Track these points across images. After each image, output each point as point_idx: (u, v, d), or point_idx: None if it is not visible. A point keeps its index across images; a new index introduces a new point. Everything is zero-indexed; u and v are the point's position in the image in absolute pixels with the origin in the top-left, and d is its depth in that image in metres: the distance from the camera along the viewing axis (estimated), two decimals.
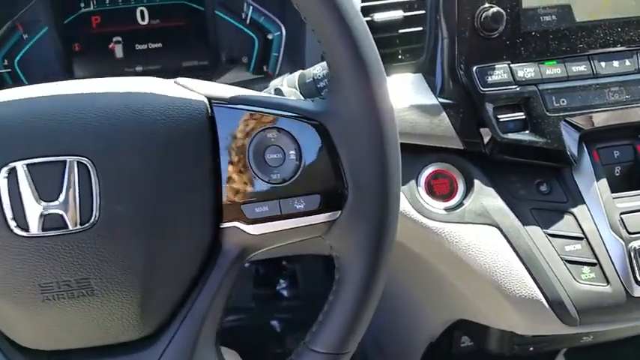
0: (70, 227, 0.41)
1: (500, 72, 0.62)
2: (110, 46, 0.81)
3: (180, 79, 0.49)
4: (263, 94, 0.48)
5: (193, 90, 0.45)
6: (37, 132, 0.41)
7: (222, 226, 0.44)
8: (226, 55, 0.83)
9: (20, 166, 0.40)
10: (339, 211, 0.44)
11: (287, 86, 0.56)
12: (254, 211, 0.44)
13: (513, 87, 0.62)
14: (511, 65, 0.62)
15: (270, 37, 0.84)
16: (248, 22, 0.83)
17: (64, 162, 0.40)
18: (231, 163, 0.44)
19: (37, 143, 0.40)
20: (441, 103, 0.62)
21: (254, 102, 0.44)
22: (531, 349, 0.76)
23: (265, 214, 0.44)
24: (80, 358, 0.46)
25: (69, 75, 0.81)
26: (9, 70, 0.79)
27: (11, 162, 0.40)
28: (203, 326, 0.45)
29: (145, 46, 0.82)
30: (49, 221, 0.40)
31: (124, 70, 0.82)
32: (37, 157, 0.40)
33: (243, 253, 0.46)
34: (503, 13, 0.60)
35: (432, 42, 0.64)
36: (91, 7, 0.80)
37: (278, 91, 0.52)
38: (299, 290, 1.34)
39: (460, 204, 0.62)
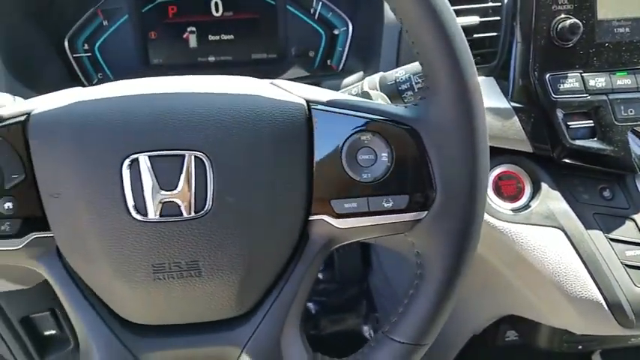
0: (185, 215, 0.45)
1: (572, 80, 0.64)
2: (184, 35, 0.85)
3: (276, 81, 0.52)
4: (358, 98, 0.50)
5: (291, 92, 0.49)
6: (159, 127, 0.44)
7: (310, 219, 0.48)
8: (294, 48, 0.86)
9: (143, 158, 0.44)
10: (426, 212, 0.47)
11: (368, 87, 0.59)
12: (343, 206, 0.47)
13: (584, 95, 0.64)
14: (583, 74, 0.64)
15: (336, 32, 0.86)
16: (316, 17, 0.86)
17: (183, 156, 0.44)
18: (325, 161, 0.47)
19: (160, 137, 0.44)
20: (513, 107, 0.64)
21: (351, 106, 0.47)
22: (580, 347, 0.79)
23: (353, 209, 0.47)
24: (182, 332, 0.50)
25: (144, 61, 0.85)
26: (89, 54, 0.83)
27: (134, 153, 0.44)
28: (290, 309, 0.49)
29: (217, 37, 0.85)
30: (167, 208, 0.44)
31: (197, 59, 0.86)
32: (158, 150, 0.44)
33: (329, 243, 0.49)
34: (580, 24, 0.62)
35: (505, 47, 0.66)
36: None
37: (365, 94, 0.55)
38: (334, 274, 1.38)
39: (527, 206, 0.64)
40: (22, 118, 0.45)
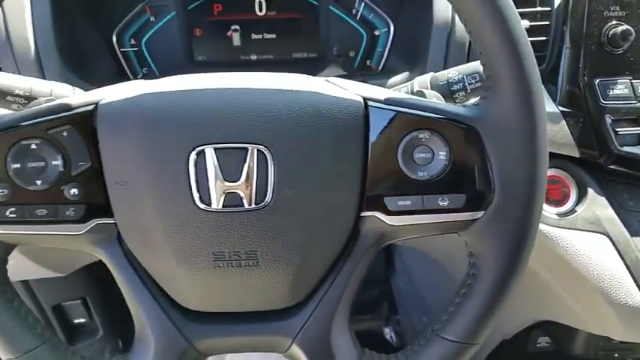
0: (246, 206, 0.46)
1: (621, 87, 0.64)
2: (228, 33, 0.86)
3: (331, 79, 0.53)
4: (415, 97, 0.51)
5: (348, 89, 0.49)
6: (225, 120, 0.45)
7: (362, 215, 0.49)
8: (335, 48, 0.87)
9: (209, 150, 0.45)
10: (482, 212, 0.47)
11: (418, 87, 0.59)
12: (396, 204, 0.48)
13: (633, 102, 0.64)
14: (633, 81, 0.64)
15: (377, 33, 0.87)
16: (358, 17, 0.86)
17: (246, 149, 0.45)
18: (379, 158, 0.47)
19: (225, 130, 0.45)
20: (561, 112, 0.64)
21: (409, 104, 0.48)
22: (616, 355, 0.78)
23: (407, 207, 0.48)
24: (236, 321, 0.51)
25: (189, 58, 0.86)
26: (135, 49, 0.85)
27: (201, 145, 0.45)
28: (339, 303, 0.50)
29: (260, 36, 0.87)
30: (229, 199, 0.46)
31: (239, 57, 0.87)
32: (224, 143, 0.45)
33: (379, 240, 0.50)
34: (632, 30, 0.62)
35: (554, 52, 0.66)
36: None
37: (419, 93, 0.55)
38: None
39: (572, 210, 0.64)
40: (91, 108, 0.47)
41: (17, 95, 0.55)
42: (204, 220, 0.46)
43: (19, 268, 0.85)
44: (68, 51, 0.70)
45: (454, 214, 0.48)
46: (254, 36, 0.87)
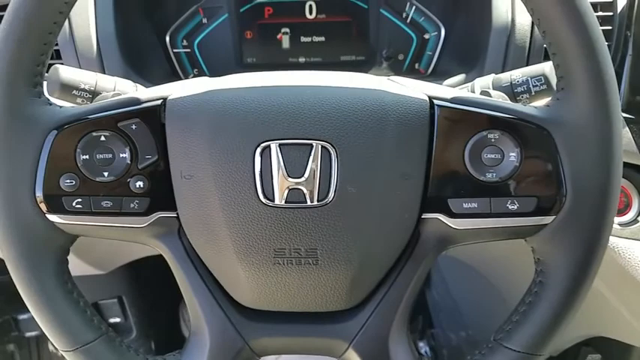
0: (309, 202, 0.46)
1: None
2: (278, 36, 0.87)
3: (394, 77, 0.52)
4: (482, 96, 0.50)
5: (413, 88, 0.49)
6: (290, 117, 0.46)
7: (424, 217, 0.48)
8: (384, 51, 0.87)
9: (274, 145, 0.45)
10: (553, 216, 0.46)
11: (479, 89, 0.58)
12: (461, 206, 0.47)
13: None
14: None
15: (427, 36, 0.86)
16: (408, 20, 0.86)
17: (311, 145, 0.45)
18: (445, 158, 0.47)
19: (290, 127, 0.45)
20: (625, 118, 0.62)
21: (478, 103, 0.47)
22: None
23: (473, 210, 0.46)
24: (292, 321, 0.51)
25: (239, 60, 0.87)
26: (187, 50, 0.87)
27: (267, 141, 0.45)
28: (398, 308, 0.49)
29: (309, 39, 0.87)
30: (292, 195, 0.45)
31: (288, 59, 0.88)
32: (289, 139, 0.45)
33: (441, 244, 0.49)
34: None
35: (617, 58, 0.64)
36: None
37: (485, 94, 0.54)
38: None
39: (635, 220, 0.62)
40: (159, 102, 0.47)
41: (82, 90, 0.56)
42: (266, 215, 0.46)
43: None
44: (127, 49, 0.72)
45: (523, 218, 0.46)
46: (303, 39, 0.87)
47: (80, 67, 0.69)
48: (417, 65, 0.88)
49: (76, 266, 0.92)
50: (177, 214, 0.48)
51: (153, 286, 1.32)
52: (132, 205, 0.47)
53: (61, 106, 0.48)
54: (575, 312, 0.47)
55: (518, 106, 0.47)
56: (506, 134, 0.46)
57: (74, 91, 0.56)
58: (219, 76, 0.52)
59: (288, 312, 0.51)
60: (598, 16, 0.67)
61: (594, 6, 0.66)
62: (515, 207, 0.46)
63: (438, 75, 0.83)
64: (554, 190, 0.45)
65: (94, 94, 0.57)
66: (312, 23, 0.87)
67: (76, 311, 0.49)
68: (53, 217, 0.47)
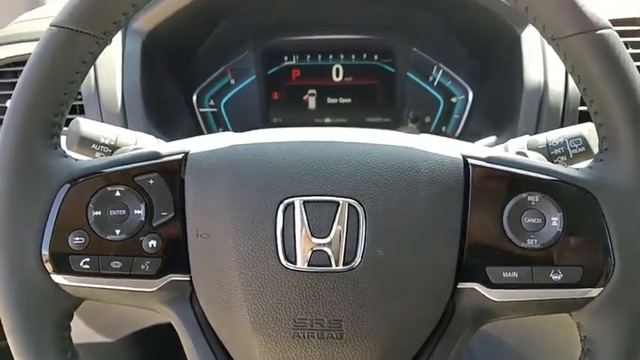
0: (334, 266, 0.42)
1: None
2: (304, 97, 0.87)
3: (424, 135, 0.50)
4: (520, 156, 0.47)
5: (445, 146, 0.46)
6: (315, 172, 0.43)
7: (459, 286, 0.43)
8: (411, 113, 0.86)
9: (298, 202, 0.42)
10: (601, 288, 0.41)
11: (513, 150, 0.55)
12: (501, 275, 0.42)
13: None
14: None
15: (454, 100, 0.85)
16: (435, 84, 0.86)
17: (337, 203, 0.42)
18: (482, 222, 0.43)
19: (315, 183, 0.43)
20: None
21: (517, 164, 0.44)
22: None
23: (513, 280, 0.42)
24: None
25: (265, 119, 0.87)
26: (214, 109, 0.87)
27: (290, 197, 0.42)
28: None
29: (335, 101, 0.87)
30: (316, 257, 0.42)
31: (313, 120, 0.88)
32: (313, 196, 0.42)
33: (479, 318, 0.44)
34: None
35: None
36: (294, 62, 0.87)
37: (521, 154, 0.52)
38: None
39: None
40: (180, 157, 0.46)
41: (102, 144, 0.55)
42: (287, 279, 0.42)
43: None
44: (152, 105, 0.73)
45: (569, 290, 0.42)
46: (329, 100, 0.87)
47: (103, 121, 0.69)
48: (443, 128, 0.86)
49: (80, 333, 0.88)
50: (190, 277, 0.44)
51: (162, 358, 1.26)
52: (143, 267, 0.44)
53: (76, 159, 0.46)
54: None
55: (559, 168, 0.44)
56: (548, 197, 0.42)
57: (93, 145, 0.55)
58: None
59: None
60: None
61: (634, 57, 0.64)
62: (560, 277, 0.42)
63: (466, 137, 0.82)
64: (601, 259, 0.41)
65: (113, 148, 0.55)
66: (338, 86, 0.87)
67: None
68: (58, 278, 0.44)
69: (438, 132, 0.86)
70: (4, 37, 0.73)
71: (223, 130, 0.88)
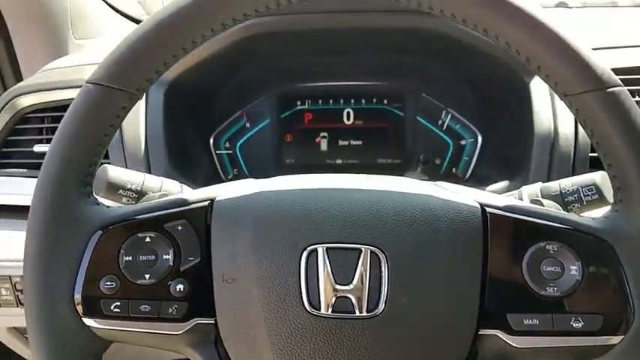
0: (357, 313, 0.43)
1: None
2: (317, 139, 0.90)
3: (439, 183, 0.51)
4: (536, 205, 0.49)
5: (461, 194, 0.48)
6: (338, 220, 0.45)
7: (480, 333, 0.44)
8: (421, 156, 0.88)
9: (321, 249, 0.44)
10: (622, 336, 0.42)
11: (528, 196, 0.57)
12: (522, 322, 0.43)
13: None
14: None
15: (463, 142, 0.87)
16: (444, 128, 0.88)
17: (360, 250, 0.43)
18: (501, 269, 0.44)
19: (338, 230, 0.44)
20: None
21: (535, 214, 0.45)
22: None
23: (534, 327, 0.43)
24: None
25: (278, 161, 0.89)
26: (230, 151, 0.89)
27: (314, 244, 0.44)
28: None
29: (346, 143, 0.90)
30: (339, 304, 0.43)
31: (325, 161, 0.89)
32: (336, 243, 0.44)
33: None
34: None
35: None
36: (306, 106, 0.90)
37: (537, 202, 0.53)
38: None
39: None
40: (206, 203, 0.47)
41: (129, 189, 0.57)
42: (311, 325, 0.43)
43: None
44: (173, 150, 0.75)
45: (589, 337, 0.42)
46: (341, 142, 0.90)
47: (126, 166, 0.72)
48: (454, 170, 0.88)
49: None
50: (215, 320, 0.45)
51: None
52: (170, 310, 0.45)
53: (108, 206, 0.48)
54: None
55: (576, 217, 0.45)
56: (566, 247, 0.44)
57: (120, 191, 0.57)
58: (259, 176, 0.52)
59: None
60: None
61: None
62: (580, 325, 0.42)
63: (476, 180, 0.83)
64: (620, 307, 0.42)
65: (140, 194, 0.57)
66: (349, 128, 0.90)
67: None
68: (89, 321, 0.45)
69: (448, 174, 0.88)
70: (31, 85, 0.76)
71: (238, 171, 0.90)
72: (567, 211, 0.55)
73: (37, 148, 0.75)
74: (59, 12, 0.92)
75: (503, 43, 0.42)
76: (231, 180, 0.89)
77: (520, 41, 0.42)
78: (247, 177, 0.72)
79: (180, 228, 0.46)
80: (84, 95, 0.44)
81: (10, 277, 0.70)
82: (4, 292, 0.71)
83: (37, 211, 0.44)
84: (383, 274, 0.43)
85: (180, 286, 0.45)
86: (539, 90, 0.72)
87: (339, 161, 0.90)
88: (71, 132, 0.44)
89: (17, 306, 0.72)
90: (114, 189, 0.57)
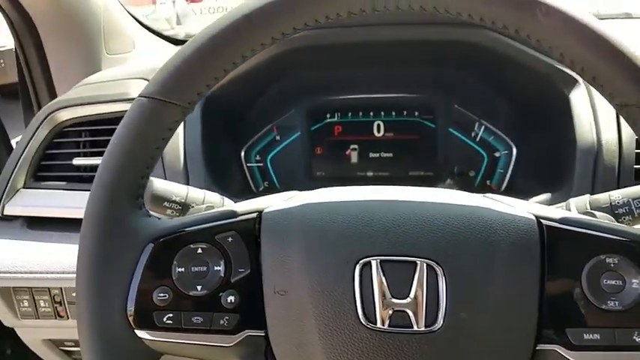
0: (415, 327, 0.42)
1: None
2: (347, 152, 0.89)
3: (490, 195, 0.51)
4: (590, 217, 0.48)
5: (515, 206, 0.47)
6: (391, 232, 0.44)
7: (538, 348, 0.43)
8: (456, 167, 0.87)
9: (374, 262, 0.43)
10: None
11: (575, 209, 0.56)
12: (582, 337, 0.42)
13: None
14: None
15: (497, 154, 0.86)
16: (477, 139, 0.87)
17: (415, 263, 0.43)
18: (560, 283, 0.43)
19: (392, 242, 0.43)
20: None
21: (593, 226, 0.44)
22: None
23: (596, 342, 0.42)
24: None
25: (308, 173, 0.89)
26: (260, 164, 0.89)
27: (367, 257, 0.43)
28: None
29: (377, 155, 0.89)
30: (397, 318, 0.42)
31: (356, 173, 0.89)
32: (391, 255, 0.43)
33: None
34: None
35: None
36: (336, 119, 0.90)
37: (590, 215, 0.52)
38: None
39: None
40: (255, 215, 0.47)
41: (174, 202, 0.57)
42: (367, 340, 0.42)
43: None
44: (211, 163, 0.75)
45: None
46: (371, 154, 0.89)
47: (166, 178, 0.72)
48: (488, 182, 0.87)
49: None
50: (265, 332, 0.45)
51: None
52: (222, 322, 0.45)
53: (159, 218, 0.48)
54: None
55: (636, 230, 0.44)
56: (627, 260, 0.43)
57: (165, 203, 0.57)
58: (290, 188, 0.52)
59: None
60: None
61: None
62: None
63: (513, 192, 0.82)
64: None
65: (184, 206, 0.57)
66: (380, 140, 0.89)
67: None
68: (142, 333, 0.45)
69: (483, 186, 0.87)
70: (69, 100, 0.77)
71: (269, 184, 0.90)
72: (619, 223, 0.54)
73: (77, 161, 0.76)
74: (94, 28, 0.93)
75: (557, 55, 0.42)
76: (262, 192, 0.89)
77: (576, 52, 0.41)
78: (278, 190, 0.72)
79: (230, 239, 0.46)
80: (138, 109, 0.44)
81: (49, 289, 0.71)
82: (42, 304, 0.71)
83: (91, 223, 0.44)
84: (440, 288, 0.42)
85: (231, 298, 0.45)
86: (580, 101, 0.71)
87: (370, 173, 0.89)
88: (125, 145, 0.44)
89: (55, 318, 0.72)
90: (159, 201, 0.57)
